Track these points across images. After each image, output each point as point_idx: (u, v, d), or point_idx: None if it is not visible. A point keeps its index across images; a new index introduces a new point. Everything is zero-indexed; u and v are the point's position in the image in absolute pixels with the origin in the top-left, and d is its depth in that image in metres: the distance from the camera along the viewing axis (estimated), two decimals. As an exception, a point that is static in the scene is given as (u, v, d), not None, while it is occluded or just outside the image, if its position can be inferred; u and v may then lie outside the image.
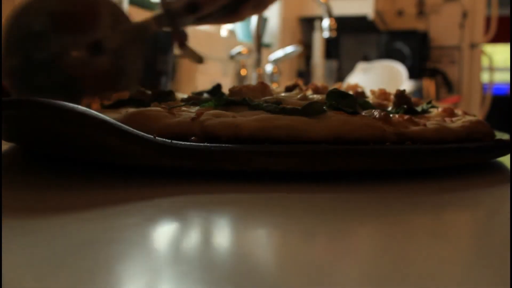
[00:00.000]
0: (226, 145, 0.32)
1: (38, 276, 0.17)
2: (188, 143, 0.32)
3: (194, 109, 0.38)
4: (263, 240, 0.22)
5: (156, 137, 0.31)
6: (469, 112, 0.51)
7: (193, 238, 0.22)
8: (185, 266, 0.18)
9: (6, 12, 0.80)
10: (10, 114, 0.28)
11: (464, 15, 3.14)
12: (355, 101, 0.41)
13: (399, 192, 0.32)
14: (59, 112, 0.28)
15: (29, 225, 0.22)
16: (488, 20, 3.23)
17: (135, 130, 0.30)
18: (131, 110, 0.36)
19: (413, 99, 0.53)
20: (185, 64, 1.11)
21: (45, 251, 0.19)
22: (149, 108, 0.35)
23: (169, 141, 0.31)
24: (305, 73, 2.41)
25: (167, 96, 0.45)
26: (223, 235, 0.23)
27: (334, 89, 0.43)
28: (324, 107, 0.37)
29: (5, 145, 0.45)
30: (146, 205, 0.27)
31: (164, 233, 0.23)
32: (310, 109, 0.36)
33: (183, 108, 0.39)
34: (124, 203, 0.27)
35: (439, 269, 0.19)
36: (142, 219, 0.24)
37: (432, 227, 0.25)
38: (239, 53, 1.56)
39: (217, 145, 0.32)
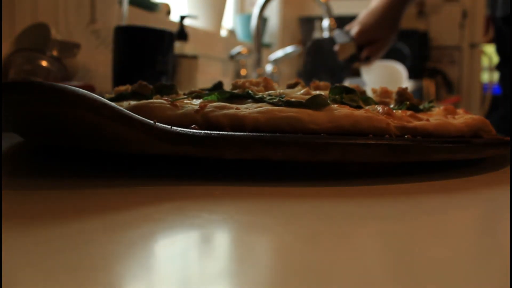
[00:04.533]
0: (226, 132, 0.32)
1: (38, 276, 0.17)
2: (188, 129, 0.32)
3: (197, 102, 0.38)
4: (265, 242, 0.22)
5: (156, 123, 0.31)
6: (470, 112, 0.51)
7: (193, 238, 0.22)
8: (185, 267, 0.18)
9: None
10: (11, 97, 0.28)
11: (464, 15, 3.14)
12: (358, 96, 0.41)
13: (399, 193, 0.32)
14: (58, 94, 0.27)
15: (29, 225, 0.22)
16: (488, 20, 3.22)
17: (135, 115, 0.30)
18: (134, 102, 0.36)
19: (415, 100, 0.53)
20: (185, 64, 1.11)
21: (45, 251, 0.19)
22: (152, 100, 0.35)
23: (169, 127, 0.31)
24: (302, 74, 2.41)
25: (169, 90, 0.45)
26: (224, 237, 0.23)
27: (338, 84, 0.43)
28: (328, 101, 0.37)
29: (6, 142, 0.45)
30: (146, 205, 0.26)
31: (164, 234, 0.23)
32: (314, 102, 0.35)
33: (186, 101, 0.38)
34: (125, 203, 0.27)
35: (440, 269, 0.19)
36: (142, 219, 0.24)
37: (432, 227, 0.25)
38: (239, 53, 1.56)
39: (217, 132, 0.32)
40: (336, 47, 1.13)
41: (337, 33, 1.13)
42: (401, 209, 0.29)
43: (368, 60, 1.12)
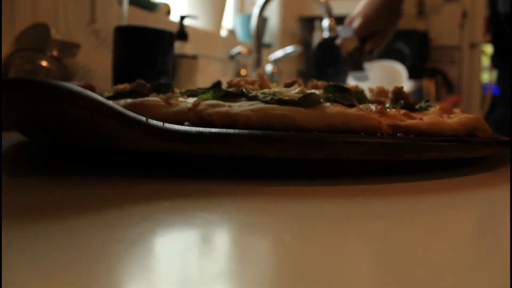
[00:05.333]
0: (217, 129, 0.32)
1: (38, 276, 0.17)
2: (180, 126, 0.32)
3: (192, 100, 0.38)
4: (265, 242, 0.22)
5: (149, 120, 0.31)
6: (468, 111, 0.51)
7: (193, 238, 0.22)
8: (185, 267, 0.18)
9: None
10: (11, 94, 0.28)
11: (464, 15, 3.14)
12: (352, 95, 0.42)
13: (398, 193, 0.32)
14: (53, 91, 0.28)
15: (29, 225, 0.22)
16: (488, 20, 3.22)
17: (128, 111, 0.30)
18: (130, 100, 0.36)
19: (412, 99, 0.53)
20: (185, 64, 1.11)
21: (45, 251, 0.19)
22: (146, 98, 0.36)
23: (161, 123, 0.31)
24: (305, 73, 2.41)
25: (166, 88, 0.46)
26: (224, 236, 0.23)
27: (332, 83, 0.43)
28: (321, 100, 0.37)
29: (6, 142, 0.45)
30: (146, 205, 0.27)
31: (164, 233, 0.23)
32: (306, 100, 0.36)
33: (180, 99, 0.39)
34: (124, 203, 0.27)
35: (439, 269, 0.19)
36: (142, 219, 0.24)
37: (432, 227, 0.25)
38: (239, 53, 1.56)
39: (208, 129, 0.32)
40: (338, 42, 1.12)
41: (339, 28, 1.12)
42: (401, 208, 0.29)
43: (371, 53, 1.11)
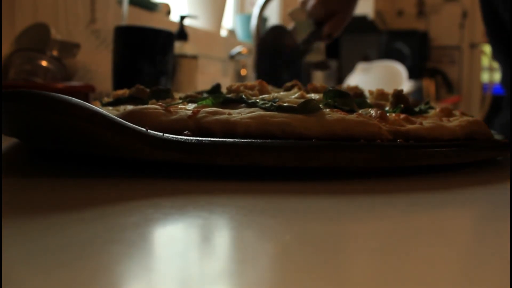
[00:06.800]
0: (217, 139, 0.32)
1: (38, 276, 0.17)
2: (180, 136, 0.32)
3: (191, 107, 0.38)
4: (265, 242, 0.22)
5: (148, 130, 0.31)
6: (468, 112, 0.51)
7: (193, 238, 0.22)
8: (185, 267, 0.18)
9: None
10: (9, 106, 0.28)
11: (464, 15, 3.15)
12: (352, 100, 0.42)
13: (398, 192, 0.32)
14: (52, 103, 0.28)
15: (29, 224, 0.22)
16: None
17: (127, 123, 0.30)
18: (129, 107, 0.36)
19: (412, 100, 0.53)
20: (185, 64, 1.11)
21: (45, 251, 0.19)
22: (146, 106, 0.36)
23: (161, 134, 0.31)
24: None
25: (165, 94, 0.45)
26: (224, 236, 0.23)
27: (332, 88, 0.43)
28: (321, 105, 0.37)
29: (5, 142, 0.45)
30: (146, 205, 0.27)
31: (164, 233, 0.23)
32: (306, 107, 0.36)
33: (180, 106, 0.39)
34: (124, 203, 0.27)
35: (439, 269, 0.19)
36: (142, 219, 0.24)
37: (432, 227, 0.25)
38: (239, 53, 1.57)
39: (208, 139, 0.32)
40: (290, 28, 0.97)
41: (290, 11, 0.95)
42: (401, 208, 0.29)
43: (330, 37, 0.94)
